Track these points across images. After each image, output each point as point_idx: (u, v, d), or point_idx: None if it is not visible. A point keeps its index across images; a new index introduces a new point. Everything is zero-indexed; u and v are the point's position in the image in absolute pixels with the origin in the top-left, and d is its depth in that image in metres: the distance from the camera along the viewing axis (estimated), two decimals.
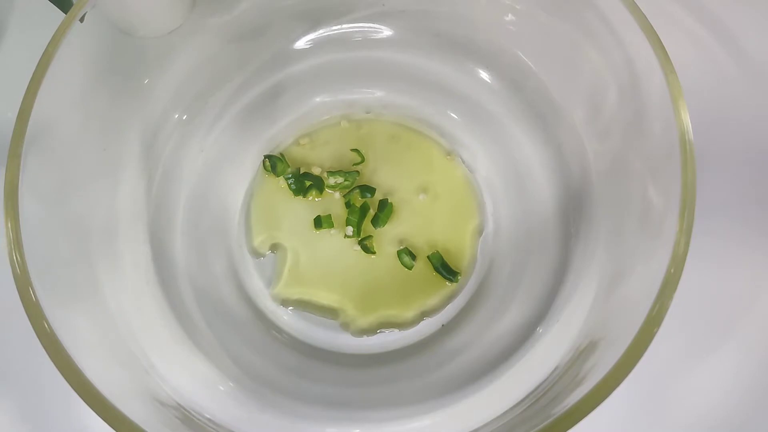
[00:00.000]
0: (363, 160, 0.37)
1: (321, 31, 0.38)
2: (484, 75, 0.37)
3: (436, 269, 0.35)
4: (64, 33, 0.27)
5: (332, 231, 0.36)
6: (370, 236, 0.35)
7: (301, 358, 0.33)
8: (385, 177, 0.37)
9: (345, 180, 0.36)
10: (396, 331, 0.34)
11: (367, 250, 0.35)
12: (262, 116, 0.38)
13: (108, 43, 0.31)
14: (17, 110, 0.26)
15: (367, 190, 0.36)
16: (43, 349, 0.23)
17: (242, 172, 0.38)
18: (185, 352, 0.31)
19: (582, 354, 0.26)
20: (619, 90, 0.30)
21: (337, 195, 0.37)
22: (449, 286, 0.35)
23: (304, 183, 0.36)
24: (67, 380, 0.23)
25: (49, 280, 0.25)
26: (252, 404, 0.30)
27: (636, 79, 0.28)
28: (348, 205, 0.36)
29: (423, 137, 0.38)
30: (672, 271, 0.23)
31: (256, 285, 0.35)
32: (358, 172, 0.37)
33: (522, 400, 0.27)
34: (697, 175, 0.24)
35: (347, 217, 0.35)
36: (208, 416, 0.28)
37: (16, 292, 0.24)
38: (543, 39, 0.34)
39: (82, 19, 0.27)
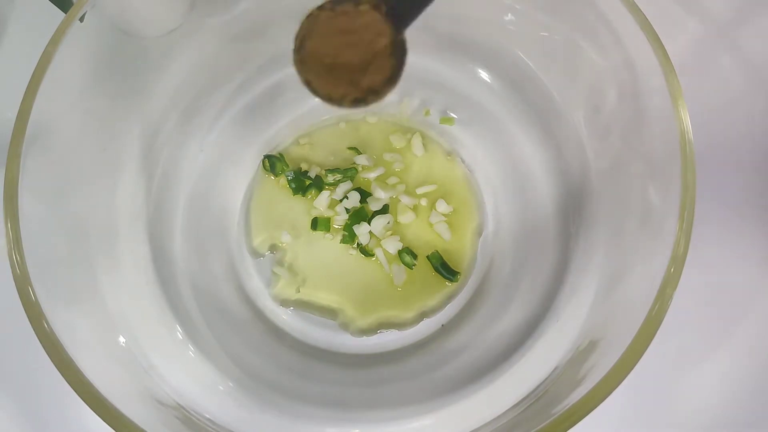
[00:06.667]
0: (359, 153, 0.37)
1: None
2: (484, 75, 0.37)
3: (436, 269, 0.35)
4: (64, 33, 0.27)
5: (327, 235, 0.36)
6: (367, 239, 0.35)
7: (301, 358, 0.33)
8: (384, 177, 0.37)
9: (343, 177, 0.36)
10: (395, 331, 0.34)
11: (365, 253, 0.35)
12: (262, 116, 0.38)
13: (108, 43, 0.31)
14: (17, 110, 0.26)
15: (364, 194, 0.36)
16: (43, 349, 0.23)
17: (242, 172, 0.38)
18: (185, 352, 0.31)
19: (582, 354, 0.26)
20: (619, 90, 0.30)
21: (336, 196, 0.36)
22: (449, 286, 0.35)
23: (304, 181, 0.36)
24: (67, 380, 0.23)
25: (49, 280, 0.25)
26: (252, 404, 0.30)
27: (636, 79, 0.28)
28: (346, 210, 0.36)
29: (423, 137, 0.38)
30: (672, 270, 0.23)
31: (256, 285, 0.35)
32: (356, 169, 0.37)
33: (522, 400, 0.27)
34: (696, 175, 0.24)
35: (345, 223, 0.35)
36: (208, 416, 0.28)
37: (16, 292, 0.24)
38: (543, 39, 0.34)
39: (82, 19, 0.27)
